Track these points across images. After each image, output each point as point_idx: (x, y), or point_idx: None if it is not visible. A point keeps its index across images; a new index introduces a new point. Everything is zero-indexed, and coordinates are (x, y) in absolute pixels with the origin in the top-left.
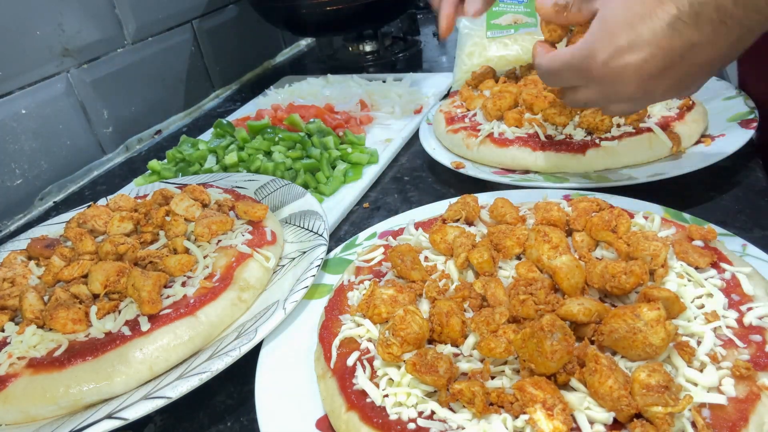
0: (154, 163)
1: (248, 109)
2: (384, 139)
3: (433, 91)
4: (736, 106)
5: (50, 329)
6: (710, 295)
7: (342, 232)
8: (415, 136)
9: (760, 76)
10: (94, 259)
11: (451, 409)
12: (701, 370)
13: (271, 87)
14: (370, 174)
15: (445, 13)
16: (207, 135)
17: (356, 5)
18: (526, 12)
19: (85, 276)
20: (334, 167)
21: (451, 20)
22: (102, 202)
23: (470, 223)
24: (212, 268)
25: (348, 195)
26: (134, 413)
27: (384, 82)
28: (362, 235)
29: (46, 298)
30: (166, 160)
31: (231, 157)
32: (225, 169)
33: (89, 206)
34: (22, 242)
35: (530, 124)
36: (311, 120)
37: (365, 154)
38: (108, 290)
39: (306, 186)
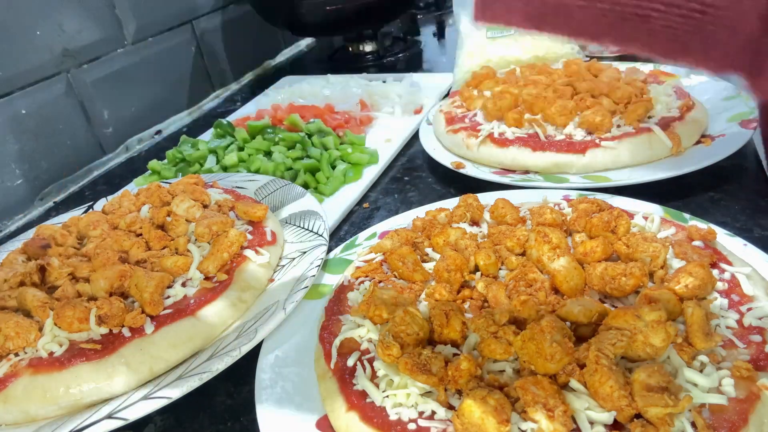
0: (154, 163)
1: (248, 110)
2: (384, 139)
3: (433, 91)
4: (736, 106)
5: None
6: None
7: (342, 232)
8: (415, 136)
9: None
10: (99, 254)
11: (451, 407)
12: (701, 371)
13: (271, 87)
14: (370, 174)
15: None
16: (207, 135)
17: (356, 5)
18: None
19: (87, 280)
20: (334, 167)
21: None
22: (102, 202)
23: (475, 223)
24: None
25: (348, 195)
26: (134, 413)
27: (384, 82)
28: (362, 235)
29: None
30: (166, 160)
31: (231, 158)
32: (225, 169)
33: (91, 205)
34: (22, 242)
35: (530, 124)
36: (311, 120)
37: (365, 154)
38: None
39: (306, 186)
